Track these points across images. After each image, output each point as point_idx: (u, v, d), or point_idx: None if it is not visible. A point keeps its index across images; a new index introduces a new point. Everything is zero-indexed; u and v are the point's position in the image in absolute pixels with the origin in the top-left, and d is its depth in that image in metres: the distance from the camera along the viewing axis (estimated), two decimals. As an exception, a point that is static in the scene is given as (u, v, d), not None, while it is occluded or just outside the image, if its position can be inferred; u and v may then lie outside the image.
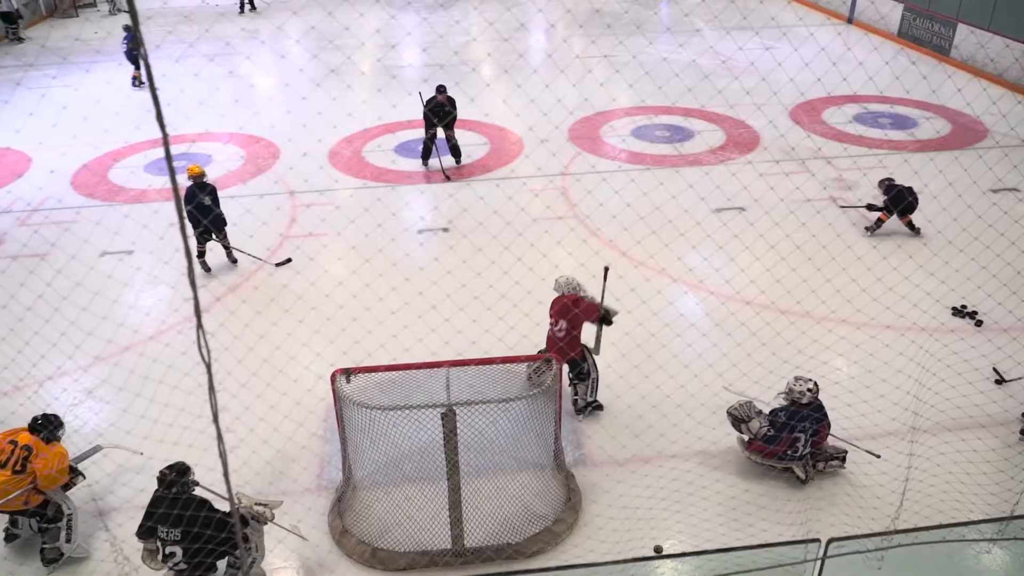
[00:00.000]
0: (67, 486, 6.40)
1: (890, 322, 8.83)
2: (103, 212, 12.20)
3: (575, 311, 7.32)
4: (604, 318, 7.44)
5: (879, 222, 10.87)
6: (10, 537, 6.54)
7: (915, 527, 6.01)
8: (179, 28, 22.39)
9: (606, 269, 7.46)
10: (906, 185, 10.69)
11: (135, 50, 18.30)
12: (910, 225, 10.83)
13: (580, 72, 18.05)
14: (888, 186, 10.71)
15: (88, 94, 16.81)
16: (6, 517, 6.50)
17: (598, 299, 7.47)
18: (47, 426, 6.34)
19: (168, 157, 2.90)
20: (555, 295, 7.65)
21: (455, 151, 13.50)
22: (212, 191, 10.22)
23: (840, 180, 12.67)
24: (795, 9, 23.97)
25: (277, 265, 10.46)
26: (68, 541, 6.32)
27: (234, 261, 10.58)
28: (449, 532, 6.21)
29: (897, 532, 5.79)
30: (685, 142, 14.40)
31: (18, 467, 6.15)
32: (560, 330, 7.42)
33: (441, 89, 12.95)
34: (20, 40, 22.79)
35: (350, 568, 6.24)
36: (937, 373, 7.48)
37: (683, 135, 14.73)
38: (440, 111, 12.83)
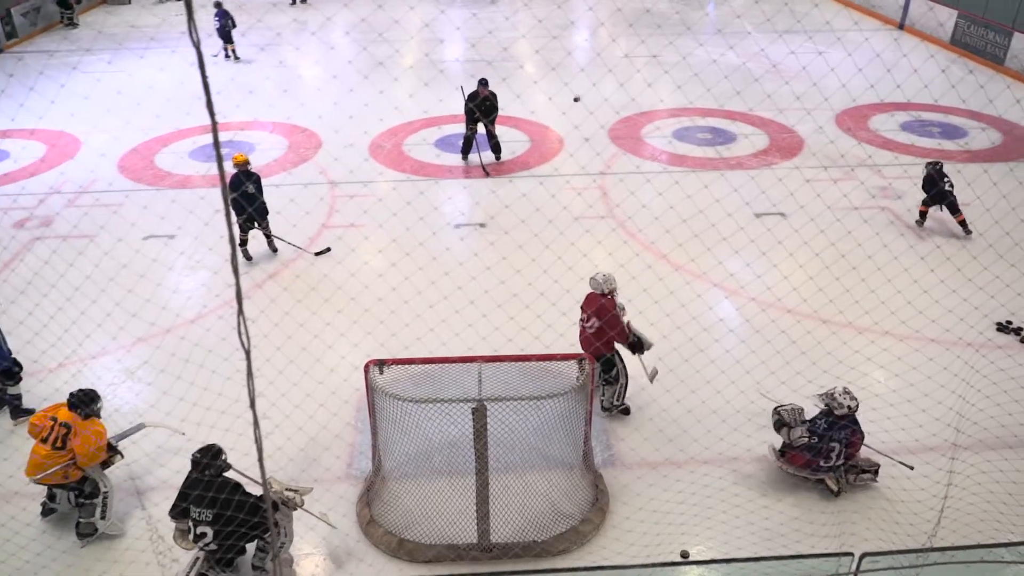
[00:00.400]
0: (105, 464, 6.53)
1: (935, 335, 8.64)
2: (149, 196, 12.44)
3: (601, 302, 7.30)
4: (634, 344, 7.50)
5: (922, 215, 11.13)
6: (47, 511, 6.69)
7: (952, 546, 5.88)
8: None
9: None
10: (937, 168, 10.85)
11: (227, 26, 19.32)
12: (962, 224, 10.90)
13: (626, 72, 17.94)
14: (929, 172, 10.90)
15: (141, 80, 17.14)
16: (45, 491, 6.66)
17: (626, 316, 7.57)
18: (84, 402, 6.44)
19: (216, 144, 2.93)
20: (590, 291, 7.59)
21: (496, 148, 13.51)
22: (257, 179, 10.34)
23: (887, 189, 12.43)
24: (849, 14, 23.55)
25: (317, 254, 10.56)
26: (103, 518, 6.45)
27: (275, 250, 10.70)
28: (475, 527, 6.22)
29: (934, 550, 5.67)
30: (727, 145, 14.25)
31: (58, 444, 6.30)
32: (591, 327, 7.41)
33: (483, 82, 12.96)
34: (75, 25, 23.36)
35: (377, 558, 6.28)
36: (982, 389, 7.31)
37: (725, 138, 14.57)
38: (482, 105, 12.83)
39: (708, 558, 6.22)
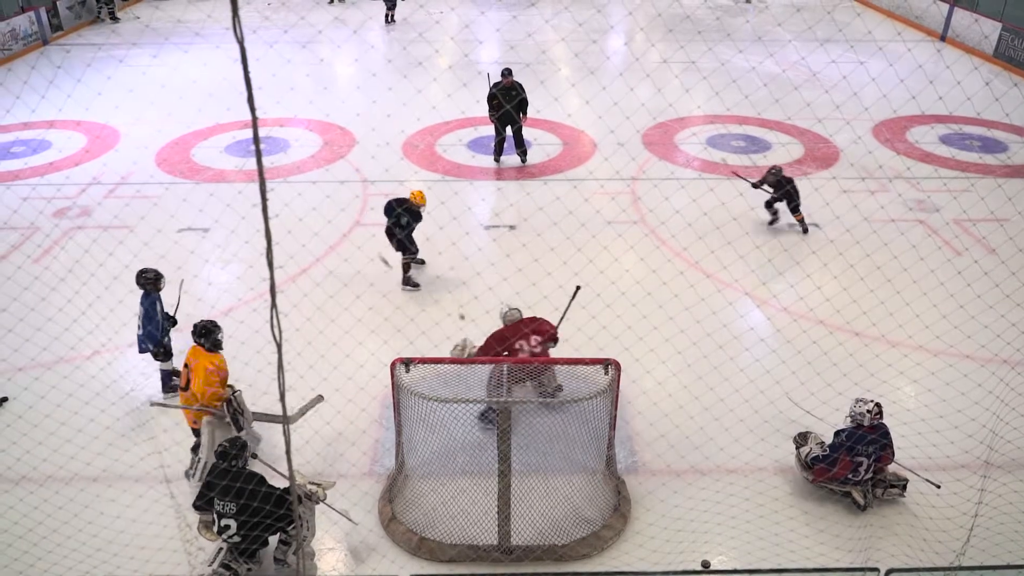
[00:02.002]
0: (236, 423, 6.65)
1: (970, 352, 8.51)
2: (188, 189, 12.65)
3: (548, 327, 7.71)
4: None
5: (774, 212, 11.41)
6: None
7: (981, 565, 5.80)
8: (275, 15, 23.00)
9: (577, 288, 7.93)
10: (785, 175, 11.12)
11: None
12: (801, 223, 11.24)
13: (663, 77, 17.88)
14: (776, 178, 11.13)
15: (185, 74, 17.41)
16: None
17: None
18: (200, 333, 6.77)
19: (256, 140, 2.97)
20: (499, 329, 7.74)
21: (523, 152, 13.51)
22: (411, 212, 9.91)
23: (925, 202, 12.26)
24: (892, 25, 23.25)
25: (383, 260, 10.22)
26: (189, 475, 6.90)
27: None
28: (496, 528, 6.24)
29: (962, 568, 5.59)
30: (762, 153, 14.14)
31: (184, 386, 6.70)
32: (536, 346, 7.55)
33: (507, 72, 12.95)
34: (115, 19, 23.85)
35: (398, 555, 6.32)
36: (1016, 408, 7.18)
37: (760, 146, 14.47)
38: (506, 95, 12.82)
39: (730, 568, 6.19)
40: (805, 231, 11.20)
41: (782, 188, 11.04)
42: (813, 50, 18.62)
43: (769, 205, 11.37)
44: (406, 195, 9.96)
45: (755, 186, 11.24)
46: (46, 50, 21.01)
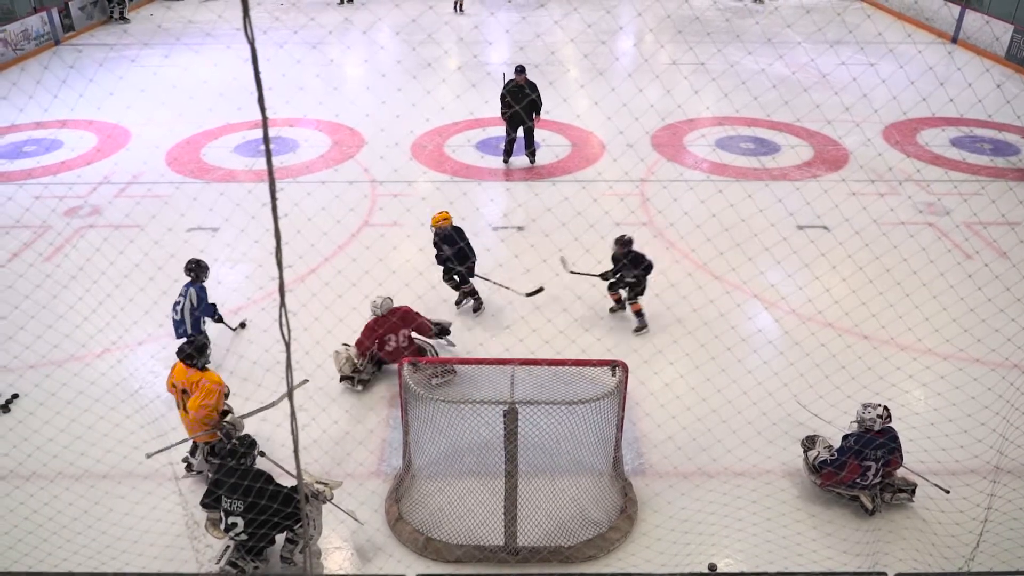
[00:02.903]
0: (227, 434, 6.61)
1: (980, 355, 8.47)
2: (198, 188, 12.71)
3: (418, 322, 8.22)
4: (442, 330, 8.54)
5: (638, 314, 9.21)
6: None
7: (991, 571, 5.77)
8: (285, 16, 23.08)
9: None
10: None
11: None
12: (621, 302, 9.40)
13: (672, 79, 17.87)
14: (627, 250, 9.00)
15: (196, 75, 17.49)
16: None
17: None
18: (188, 354, 6.73)
19: (266, 140, 2.99)
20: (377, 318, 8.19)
21: (531, 153, 13.52)
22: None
23: (935, 205, 12.22)
24: (902, 27, 23.16)
25: (528, 295, 9.54)
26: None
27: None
28: (502, 529, 6.24)
29: (971, 574, 5.56)
30: (771, 156, 14.12)
31: (182, 407, 6.70)
32: (404, 340, 8.11)
33: (520, 70, 12.93)
34: (126, 20, 24.01)
35: (404, 555, 6.33)
36: (1027, 413, 7.14)
37: (769, 148, 14.44)
38: (519, 93, 12.79)
39: (736, 571, 6.18)
40: (641, 327, 9.21)
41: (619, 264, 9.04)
42: (823, 52, 18.59)
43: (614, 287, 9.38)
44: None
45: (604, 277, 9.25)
46: (59, 50, 21.13)
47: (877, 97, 13.33)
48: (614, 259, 9.03)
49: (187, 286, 8.27)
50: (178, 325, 8.29)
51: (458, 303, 9.55)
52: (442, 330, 8.58)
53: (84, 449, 7.18)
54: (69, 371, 8.36)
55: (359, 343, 8.19)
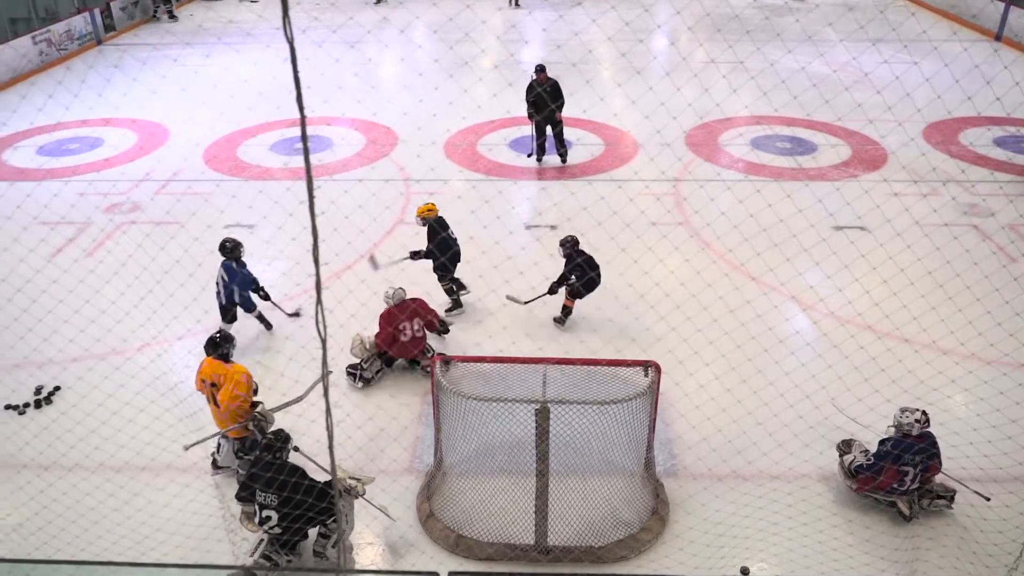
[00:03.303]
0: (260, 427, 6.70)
1: (1025, 360, 8.30)
2: (237, 186, 12.87)
3: (428, 313, 8.37)
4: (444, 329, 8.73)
5: (566, 310, 9.25)
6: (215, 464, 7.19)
7: (1033, 581, 5.65)
8: (324, 15, 23.28)
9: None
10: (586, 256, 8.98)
11: None
12: (566, 311, 9.26)
13: (710, 77, 17.72)
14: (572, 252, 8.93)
15: (236, 74, 17.72)
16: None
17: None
18: (212, 344, 6.83)
19: (304, 138, 3.03)
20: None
21: (563, 153, 13.49)
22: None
23: (979, 206, 11.97)
24: (948, 25, 22.72)
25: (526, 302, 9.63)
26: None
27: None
28: (533, 528, 6.24)
29: (1012, 584, 5.45)
30: (810, 155, 13.93)
31: (212, 402, 6.76)
32: (418, 330, 8.27)
33: (540, 68, 12.84)
34: (174, 18, 24.49)
35: (436, 552, 6.36)
36: (1074, 420, 6.99)
37: (806, 148, 14.25)
38: (544, 91, 12.64)
39: None
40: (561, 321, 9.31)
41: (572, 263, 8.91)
42: (864, 50, 18.30)
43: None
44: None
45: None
46: (103, 49, 21.55)
47: (919, 96, 13.08)
48: (568, 260, 8.90)
49: (220, 265, 8.76)
50: (217, 301, 8.84)
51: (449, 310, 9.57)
52: (445, 329, 8.73)
53: (124, 442, 7.33)
54: (111, 365, 8.53)
55: (380, 334, 8.23)
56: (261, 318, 9.10)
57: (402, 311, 8.21)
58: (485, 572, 6.11)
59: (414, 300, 8.33)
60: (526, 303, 9.16)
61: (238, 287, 8.75)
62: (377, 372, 8.30)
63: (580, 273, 8.75)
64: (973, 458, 6.87)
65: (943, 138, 14.44)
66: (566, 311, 9.23)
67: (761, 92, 14.90)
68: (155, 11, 24.58)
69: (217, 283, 8.81)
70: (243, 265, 8.88)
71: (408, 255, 9.35)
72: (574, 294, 9.00)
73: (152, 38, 22.73)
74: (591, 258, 8.94)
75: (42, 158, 14.27)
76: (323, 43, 17.08)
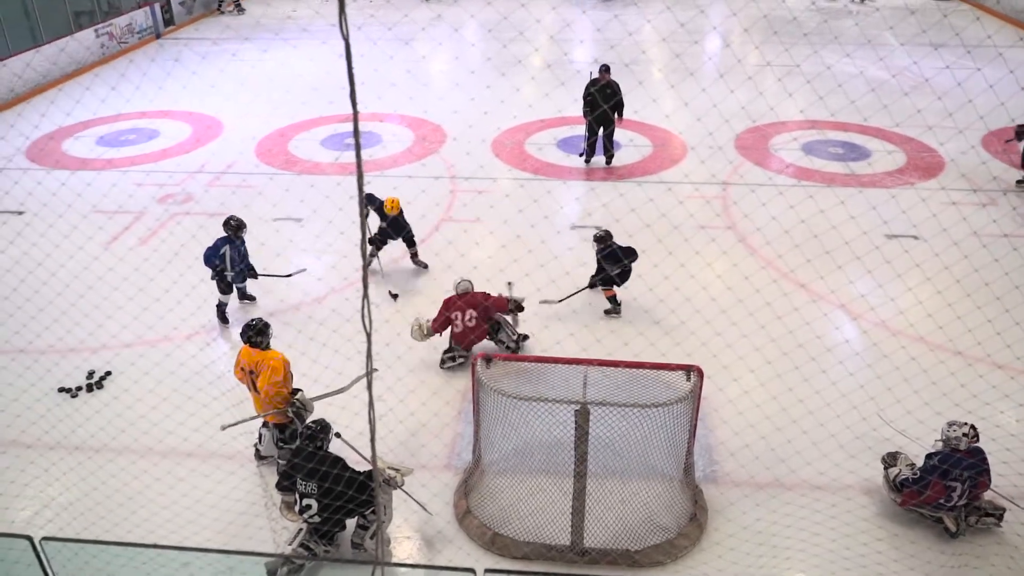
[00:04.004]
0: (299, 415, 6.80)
1: (1084, 378, 8.03)
2: (288, 180, 13.07)
3: (486, 304, 8.38)
4: (517, 306, 8.74)
5: (611, 300, 9.38)
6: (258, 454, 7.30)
7: (1084, 605, 5.47)
8: (379, 12, 23.52)
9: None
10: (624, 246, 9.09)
11: None
12: (612, 300, 9.39)
13: (764, 80, 17.48)
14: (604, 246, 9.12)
15: (292, 69, 18.00)
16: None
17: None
18: (247, 332, 6.85)
19: (356, 133, 3.06)
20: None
21: (610, 157, 13.43)
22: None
23: (1042, 217, 11.61)
24: (1015, 31, 22.08)
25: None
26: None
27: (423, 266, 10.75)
28: (569, 529, 6.22)
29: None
30: (864, 161, 13.66)
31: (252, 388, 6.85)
32: (471, 320, 8.32)
33: (605, 68, 12.82)
34: (242, 11, 25.13)
35: (472, 549, 6.38)
36: None
37: (859, 154, 13.97)
38: (601, 94, 12.67)
39: (810, 587, 6.02)
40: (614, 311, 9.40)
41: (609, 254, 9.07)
42: (925, 55, 17.90)
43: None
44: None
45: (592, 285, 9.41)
46: (163, 43, 22.05)
47: (981, 103, 12.73)
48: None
49: (226, 243, 9.11)
50: (219, 279, 9.18)
51: None
52: (517, 306, 8.76)
53: (172, 427, 7.49)
54: (161, 352, 8.73)
55: (436, 318, 8.44)
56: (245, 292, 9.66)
57: (460, 299, 8.32)
58: (521, 571, 6.12)
59: (474, 294, 8.42)
60: (560, 302, 9.17)
61: (245, 265, 9.21)
62: (465, 359, 8.48)
63: (614, 259, 8.89)
64: (1026, 476, 6.68)
65: (1006, 146, 14.04)
66: (612, 301, 9.32)
67: (816, 96, 14.66)
68: (219, 4, 25.11)
69: (226, 261, 9.01)
70: (244, 242, 9.29)
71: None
72: (607, 282, 9.12)
73: (211, 33, 23.20)
74: (627, 248, 9.03)
75: (101, 148, 14.66)
76: (377, 40, 17.26)
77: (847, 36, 21.39)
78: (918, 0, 25.72)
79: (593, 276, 9.32)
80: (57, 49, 18.30)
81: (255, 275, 9.41)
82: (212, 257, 9.00)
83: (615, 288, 9.27)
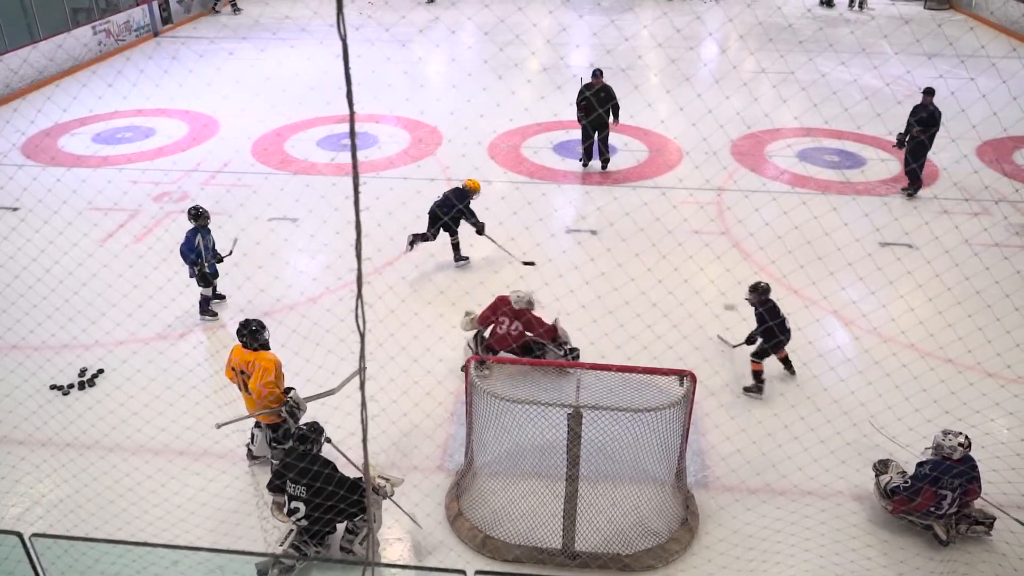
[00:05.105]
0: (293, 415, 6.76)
1: (1074, 387, 8.08)
2: (284, 180, 13.07)
3: (536, 330, 8.21)
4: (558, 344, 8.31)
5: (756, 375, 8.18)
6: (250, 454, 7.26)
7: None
8: (377, 14, 23.53)
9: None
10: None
11: None
12: (785, 362, 8.37)
13: (759, 87, 17.55)
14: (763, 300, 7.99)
15: (289, 68, 17.99)
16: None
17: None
18: (243, 334, 6.79)
19: (352, 134, 3.07)
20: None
21: (606, 160, 13.46)
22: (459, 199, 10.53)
23: (1032, 227, 11.68)
24: (1007, 41, 22.21)
25: (524, 263, 10.48)
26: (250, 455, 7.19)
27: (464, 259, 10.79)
28: (560, 532, 6.24)
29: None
30: (855, 169, 13.72)
31: (243, 389, 6.81)
32: (514, 329, 8.18)
33: (597, 73, 12.86)
34: (238, 10, 25.09)
35: (463, 551, 6.39)
36: (1122, 450, 6.79)
37: (854, 162, 14.04)
38: (596, 96, 12.68)
39: (800, 592, 6.05)
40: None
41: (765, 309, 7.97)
42: (919, 64, 17.98)
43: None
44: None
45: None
46: (161, 41, 22.02)
47: (974, 113, 12.79)
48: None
49: (198, 234, 9.07)
50: (194, 270, 9.18)
51: None
52: (558, 344, 8.33)
53: (165, 425, 7.49)
54: (155, 350, 8.72)
55: (483, 312, 8.39)
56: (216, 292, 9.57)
57: (509, 308, 8.26)
58: (512, 573, 6.13)
59: (527, 313, 8.27)
60: (734, 347, 8.67)
61: (212, 255, 9.17)
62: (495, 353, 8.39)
63: (775, 313, 7.90)
64: (1016, 484, 6.72)
65: (996, 156, 14.13)
66: (757, 377, 8.16)
67: (811, 103, 14.72)
68: (215, 4, 25.07)
69: (197, 251, 8.98)
70: (209, 231, 9.21)
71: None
72: (761, 354, 8.11)
73: (209, 31, 23.17)
74: (775, 308, 8.00)
75: (97, 145, 14.64)
76: (375, 41, 17.25)
77: (842, 44, 21.47)
78: (913, 9, 25.86)
79: (753, 332, 8.14)
80: (54, 45, 18.26)
81: (220, 259, 9.35)
82: (188, 251, 8.98)
83: (764, 361, 8.14)
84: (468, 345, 8.55)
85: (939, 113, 12.17)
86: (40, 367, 8.36)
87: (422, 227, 10.58)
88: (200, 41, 22.09)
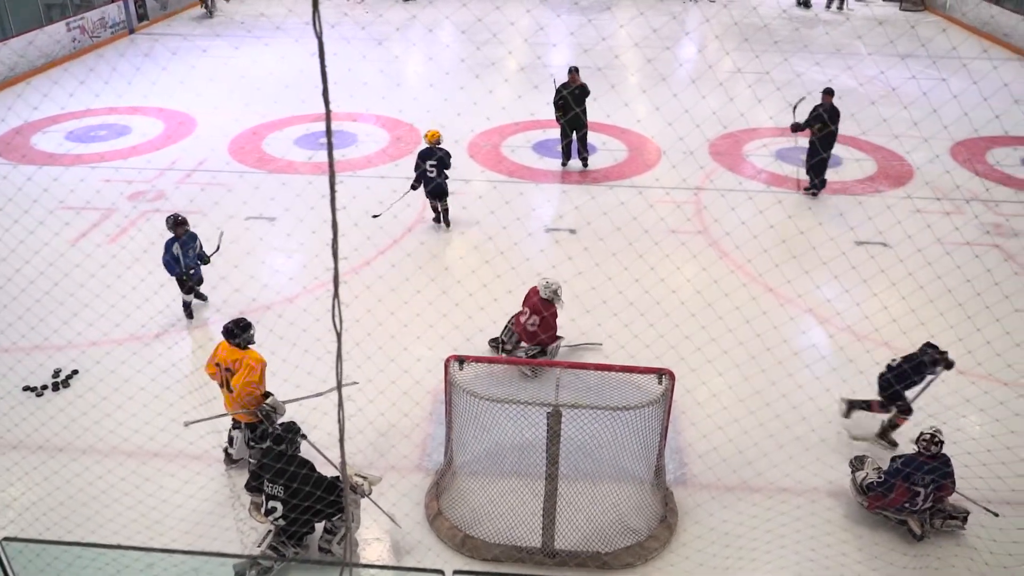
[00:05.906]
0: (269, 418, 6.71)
1: (1043, 383, 8.21)
2: (260, 178, 12.97)
3: (545, 315, 8.29)
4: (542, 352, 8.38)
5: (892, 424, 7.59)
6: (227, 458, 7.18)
7: (1042, 605, 5.59)
8: (353, 12, 23.43)
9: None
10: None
11: None
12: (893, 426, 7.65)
13: (736, 87, 17.65)
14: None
15: (264, 66, 17.86)
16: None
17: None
18: (231, 332, 6.77)
19: (328, 132, 3.05)
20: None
21: (584, 158, 13.52)
22: (442, 157, 11.05)
23: (1003, 226, 11.85)
24: (978, 42, 22.51)
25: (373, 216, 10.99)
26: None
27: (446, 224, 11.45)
28: (540, 531, 6.25)
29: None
30: (832, 169, 13.83)
31: (226, 387, 6.76)
32: (532, 324, 8.30)
33: (574, 70, 12.89)
34: (211, 14, 24.74)
35: (442, 551, 6.37)
36: (1091, 444, 6.91)
37: (831, 162, 14.15)
38: (572, 94, 12.68)
39: (776, 588, 6.10)
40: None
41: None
42: (893, 65, 18.19)
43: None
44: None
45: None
46: (135, 38, 21.78)
47: (947, 113, 12.97)
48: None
49: (177, 243, 9.00)
50: (178, 276, 9.13)
51: None
52: (542, 351, 8.39)
53: (138, 427, 7.41)
54: (128, 350, 8.62)
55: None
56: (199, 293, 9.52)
57: (539, 301, 8.38)
58: (490, 572, 6.13)
59: (550, 319, 8.36)
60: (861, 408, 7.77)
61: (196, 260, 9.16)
62: (517, 343, 8.50)
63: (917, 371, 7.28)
64: (987, 479, 6.81)
65: (969, 156, 14.32)
66: (892, 426, 7.59)
67: (787, 103, 14.85)
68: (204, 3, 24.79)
69: (177, 258, 8.93)
70: (193, 237, 9.18)
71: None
72: (902, 407, 7.49)
73: (183, 29, 22.96)
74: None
75: (70, 143, 14.45)
76: (351, 39, 17.20)
77: (817, 44, 21.67)
78: (887, 10, 26.14)
79: (885, 395, 7.49)
80: (26, 42, 18.01)
81: (207, 260, 9.31)
82: (172, 261, 8.94)
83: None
84: (501, 338, 8.69)
85: (837, 113, 12.19)
86: (11, 368, 8.24)
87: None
88: (174, 38, 21.88)
